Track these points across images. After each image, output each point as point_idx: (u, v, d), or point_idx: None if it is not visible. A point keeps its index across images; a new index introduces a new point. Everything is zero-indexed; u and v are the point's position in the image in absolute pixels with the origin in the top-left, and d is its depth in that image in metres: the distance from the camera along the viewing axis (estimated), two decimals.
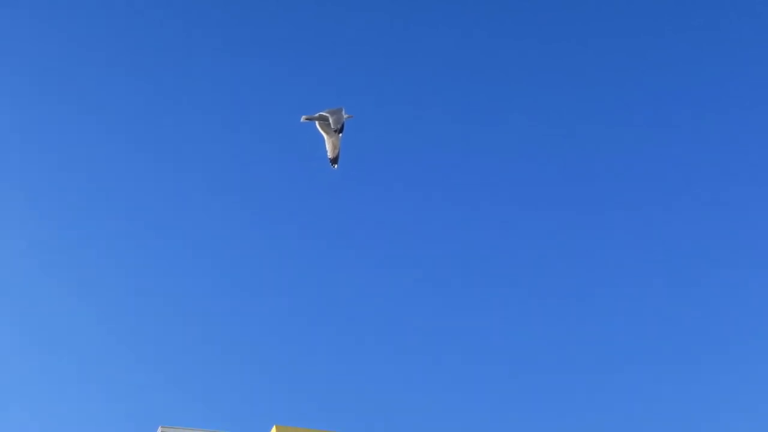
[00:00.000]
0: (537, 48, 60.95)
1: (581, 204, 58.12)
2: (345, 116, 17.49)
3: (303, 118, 17.66)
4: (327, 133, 17.67)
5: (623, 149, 59.34)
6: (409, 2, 59.60)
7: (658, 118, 58.67)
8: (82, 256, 55.02)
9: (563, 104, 60.28)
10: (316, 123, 17.72)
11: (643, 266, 56.98)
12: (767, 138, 56.46)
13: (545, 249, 57.90)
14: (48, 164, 55.63)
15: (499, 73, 60.60)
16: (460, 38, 60.32)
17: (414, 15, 59.75)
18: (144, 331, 54.69)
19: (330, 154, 17.80)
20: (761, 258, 55.55)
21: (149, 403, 48.24)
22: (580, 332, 53.88)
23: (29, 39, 55.35)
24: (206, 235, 57.22)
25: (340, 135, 17.59)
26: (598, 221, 57.73)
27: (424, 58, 60.53)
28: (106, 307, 55.12)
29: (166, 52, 57.45)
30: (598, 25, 60.97)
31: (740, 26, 58.85)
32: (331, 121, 17.36)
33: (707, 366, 52.75)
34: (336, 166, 17.88)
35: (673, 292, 54.98)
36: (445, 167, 59.53)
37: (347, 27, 59.20)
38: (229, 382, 52.02)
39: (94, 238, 55.72)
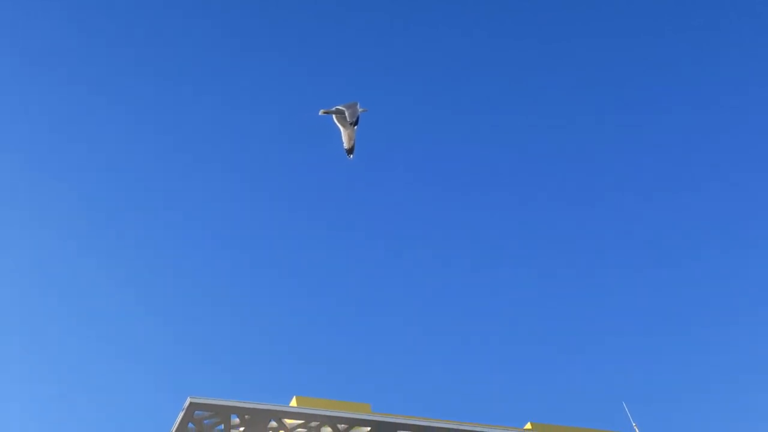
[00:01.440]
0: (538, 49, 62.04)
1: (578, 193, 59.50)
2: (359, 110, 18.12)
3: (321, 112, 18.29)
4: (343, 125, 18.28)
5: (618, 145, 60.63)
6: (423, 7, 60.81)
7: (653, 116, 59.77)
8: (120, 243, 56.79)
9: (564, 102, 61.45)
10: (333, 116, 18.30)
11: (630, 250, 58.48)
12: (747, 137, 57.73)
13: (545, 233, 59.34)
14: (92, 163, 57.38)
15: (503, 71, 61.78)
16: (468, 40, 61.42)
17: (426, 18, 60.96)
18: (176, 310, 56.48)
19: (346, 145, 18.48)
20: (737, 245, 57.23)
21: (180, 375, 50.11)
22: (575, 309, 55.41)
23: (70, 44, 56.90)
24: (231, 222, 58.90)
25: (355, 127, 18.28)
26: (594, 209, 59.13)
27: (435, 59, 61.71)
28: (142, 288, 56.97)
29: (200, 58, 58.97)
30: (596, 25, 61.99)
31: (740, 26, 59.52)
32: (347, 114, 18.04)
33: (688, 336, 54.47)
34: (351, 156, 18.60)
35: (658, 272, 56.53)
36: (449, 158, 60.80)
37: (364, 31, 60.48)
38: (252, 356, 53.74)
39: (132, 227, 57.47)
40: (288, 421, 24.98)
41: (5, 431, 49.34)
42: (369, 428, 25.42)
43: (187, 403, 23.94)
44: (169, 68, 60.26)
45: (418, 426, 25.77)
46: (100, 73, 58.34)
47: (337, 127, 18.42)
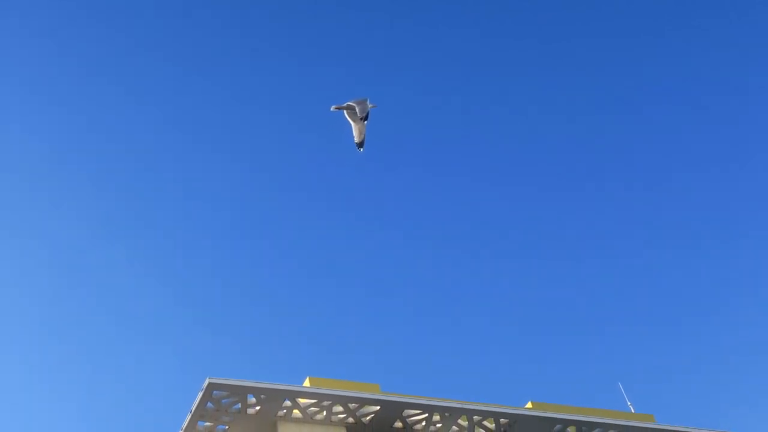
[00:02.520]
0: (542, 48, 63.37)
1: (578, 185, 60.84)
2: (369, 106, 18.75)
3: (333, 108, 18.94)
4: (354, 120, 18.94)
5: (617, 137, 62.13)
6: (435, 9, 62.25)
7: (647, 111, 61.19)
8: (143, 232, 58.59)
9: (565, 98, 62.78)
10: (345, 112, 18.93)
11: (626, 240, 59.99)
12: (729, 133, 59.27)
13: (545, 223, 60.70)
14: (119, 155, 59.18)
15: (509, 69, 63.12)
16: (478, 39, 62.75)
17: (438, 19, 62.41)
18: (197, 295, 58.27)
19: (357, 139, 19.17)
20: (730, 234, 58.91)
21: (199, 358, 51.85)
22: (580, 291, 56.90)
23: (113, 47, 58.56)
24: (247, 212, 60.45)
25: (365, 122, 18.93)
26: (593, 201, 60.49)
27: (445, 57, 63.14)
28: (165, 274, 58.73)
29: (224, 61, 60.74)
30: (594, 26, 63.44)
31: (737, 27, 60.88)
32: (357, 110, 18.69)
33: (686, 319, 56.29)
34: (361, 149, 19.28)
35: (653, 260, 58.07)
36: (453, 151, 62.16)
37: (375, 32, 62.03)
38: (267, 339, 55.49)
39: (155, 216, 59.22)
40: (301, 401, 25.67)
41: (40, 408, 51.62)
42: (378, 407, 26.34)
43: (206, 384, 24.58)
44: (193, 67, 62.27)
45: (424, 405, 26.66)
46: (126, 70, 60.23)
47: (348, 122, 19.11)
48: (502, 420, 27.80)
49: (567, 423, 28.48)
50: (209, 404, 25.09)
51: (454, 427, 27.57)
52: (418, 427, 27.26)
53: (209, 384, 24.62)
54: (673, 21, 64.64)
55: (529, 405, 29.34)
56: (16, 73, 60.68)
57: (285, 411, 25.78)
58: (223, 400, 25.15)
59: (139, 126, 62.28)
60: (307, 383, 26.75)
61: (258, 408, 25.52)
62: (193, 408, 25.10)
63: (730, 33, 63.40)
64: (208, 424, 25.69)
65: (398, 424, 27.12)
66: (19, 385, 56.82)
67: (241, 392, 25.02)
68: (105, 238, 61.06)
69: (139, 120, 62.03)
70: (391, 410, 26.60)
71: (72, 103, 61.61)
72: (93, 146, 62.12)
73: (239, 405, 25.33)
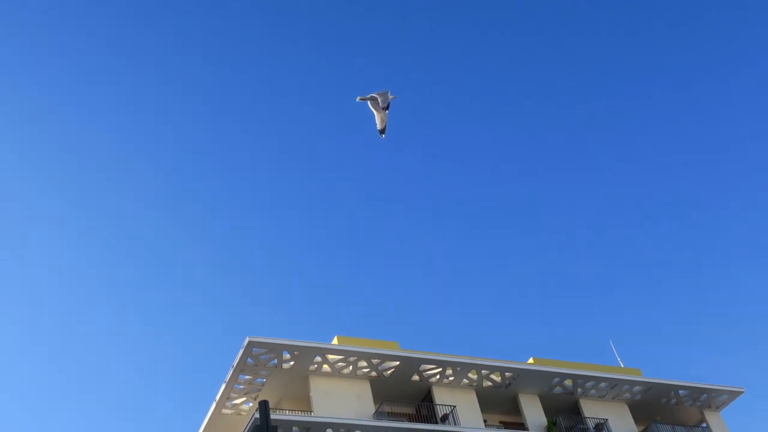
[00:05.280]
0: (547, 45, 66.25)
1: (575, 165, 63.85)
2: (390, 97, 20.38)
3: (358, 99, 20.51)
4: (377, 110, 20.56)
5: (612, 123, 65.06)
6: (448, 10, 65.19)
7: (638, 99, 64.18)
8: (193, 209, 62.15)
9: (564, 90, 65.85)
10: (369, 102, 20.53)
11: (618, 209, 63.10)
12: (718, 110, 62.12)
13: (544, 197, 63.79)
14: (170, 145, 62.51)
15: (515, 65, 66.06)
16: (485, 37, 65.60)
17: (449, 19, 65.38)
18: (239, 264, 61.95)
19: (379, 126, 20.81)
20: (715, 204, 61.85)
21: (241, 319, 55.73)
22: (586, 261, 59.94)
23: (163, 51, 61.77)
24: (283, 190, 63.90)
25: (387, 111, 20.58)
26: (592, 177, 63.48)
27: (457, 55, 66.10)
28: (211, 247, 62.37)
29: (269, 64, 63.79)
30: (591, 26, 66.42)
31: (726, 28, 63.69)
32: (380, 100, 20.30)
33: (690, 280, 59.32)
34: (383, 135, 20.80)
35: (642, 228, 61.14)
36: (465, 137, 65.20)
37: (397, 31, 64.98)
38: (300, 302, 59.20)
39: (203, 197, 62.62)
40: (330, 357, 28.11)
41: (99, 358, 55.51)
42: (397, 362, 28.92)
43: (246, 342, 26.83)
44: (234, 62, 65.69)
45: (439, 360, 29.25)
46: (177, 68, 63.61)
47: (372, 111, 20.83)
48: (506, 374, 30.52)
49: (564, 377, 31.19)
50: (249, 360, 27.45)
51: (465, 380, 30.28)
52: (433, 380, 29.90)
53: (249, 342, 26.92)
54: (656, 23, 67.88)
55: (530, 360, 32.02)
56: (84, 79, 64.77)
57: (316, 366, 28.27)
58: (261, 357, 27.46)
59: (186, 118, 66.18)
60: (335, 341, 29.14)
61: (292, 363, 27.90)
62: (235, 363, 27.49)
63: (714, 32, 66.58)
64: (248, 377, 28.13)
65: (415, 378, 29.72)
66: (85, 339, 61.39)
67: (277, 349, 27.32)
68: (161, 216, 65.51)
69: (187, 113, 65.83)
70: (410, 365, 29.13)
71: (133, 102, 65.76)
72: (147, 137, 66.08)
73: (275, 361, 27.71)
